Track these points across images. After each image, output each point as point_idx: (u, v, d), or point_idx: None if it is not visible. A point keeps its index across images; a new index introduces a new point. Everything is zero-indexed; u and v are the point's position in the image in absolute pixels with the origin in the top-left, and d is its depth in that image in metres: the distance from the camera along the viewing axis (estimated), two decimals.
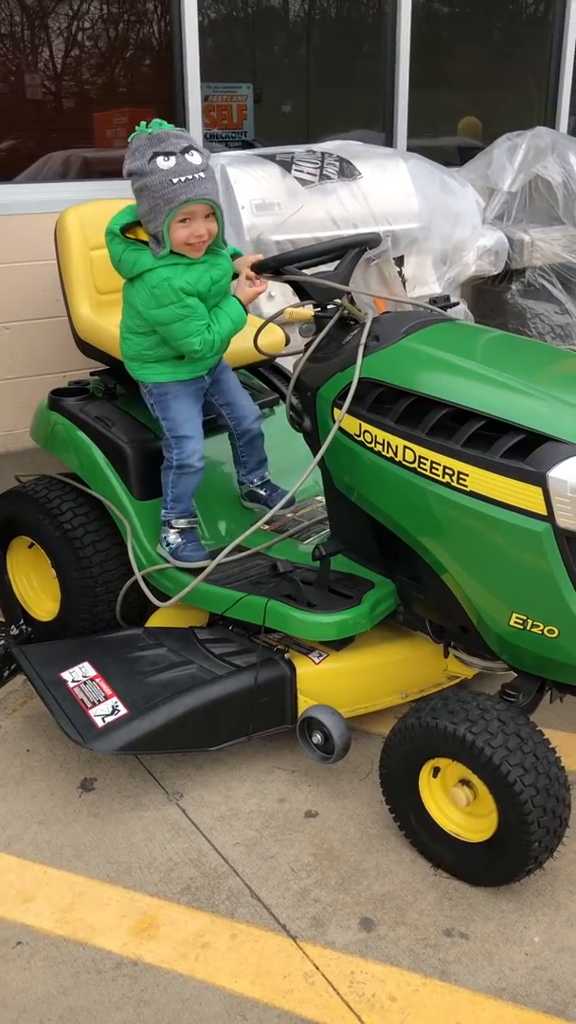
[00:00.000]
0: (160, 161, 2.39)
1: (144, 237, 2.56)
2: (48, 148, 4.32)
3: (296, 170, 3.91)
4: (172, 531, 2.83)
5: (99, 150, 4.44)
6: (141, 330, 2.67)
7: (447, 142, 5.86)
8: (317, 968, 2.03)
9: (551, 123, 6.10)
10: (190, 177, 2.41)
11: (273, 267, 2.54)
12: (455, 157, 5.63)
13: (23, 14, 4.17)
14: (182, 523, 2.83)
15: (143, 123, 2.47)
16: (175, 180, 2.39)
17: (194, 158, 2.44)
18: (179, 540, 2.82)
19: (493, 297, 4.85)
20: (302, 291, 2.59)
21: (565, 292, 4.79)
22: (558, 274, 4.77)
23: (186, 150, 2.44)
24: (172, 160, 2.40)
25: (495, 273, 4.61)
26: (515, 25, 6.26)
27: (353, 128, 5.20)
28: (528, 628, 2.14)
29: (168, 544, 2.82)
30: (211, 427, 2.91)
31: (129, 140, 2.47)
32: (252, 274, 2.62)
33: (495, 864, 2.16)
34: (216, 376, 2.86)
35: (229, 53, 5.01)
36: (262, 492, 3.02)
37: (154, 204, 2.43)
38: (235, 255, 2.77)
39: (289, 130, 5.29)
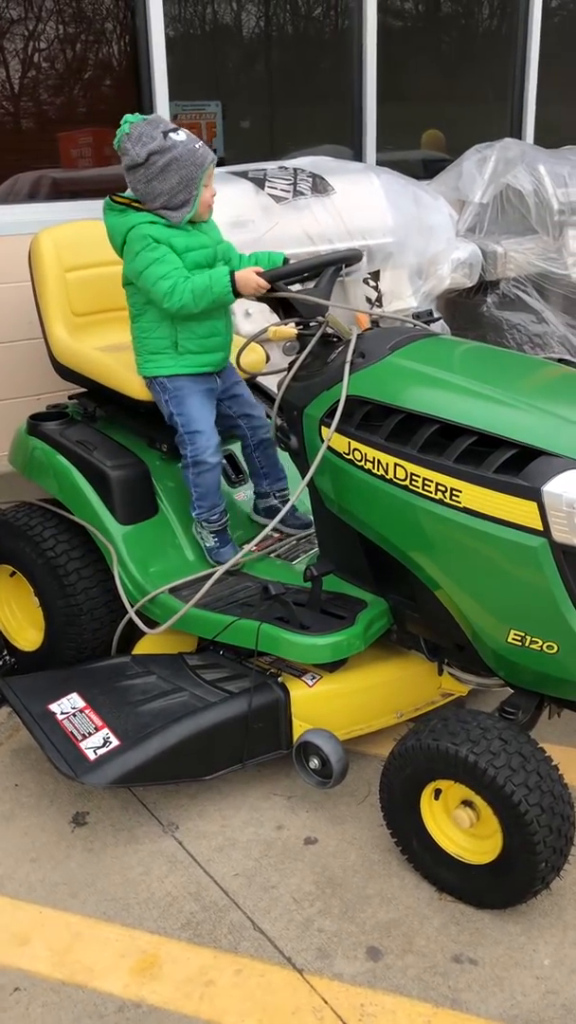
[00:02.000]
0: (173, 136, 2.55)
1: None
2: (15, 169, 4.27)
3: (269, 187, 3.89)
4: (205, 530, 2.86)
5: (67, 170, 4.39)
6: (138, 306, 2.72)
7: (413, 155, 5.87)
8: (326, 1002, 1.98)
9: (517, 134, 6.14)
10: (203, 143, 2.59)
11: (278, 278, 2.52)
12: (420, 170, 5.64)
13: None
14: (214, 525, 2.84)
15: (126, 117, 2.58)
16: (197, 147, 2.57)
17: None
18: (214, 541, 2.84)
19: (469, 310, 4.84)
20: (283, 309, 2.56)
21: (542, 300, 4.79)
22: (534, 283, 4.78)
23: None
24: (182, 133, 2.57)
25: (470, 285, 4.60)
26: (477, 38, 6.29)
27: (322, 143, 5.20)
28: (527, 644, 2.11)
29: (205, 542, 2.86)
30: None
31: (124, 133, 2.56)
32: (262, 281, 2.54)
33: (501, 886, 2.12)
34: (233, 391, 2.92)
35: (197, 71, 4.99)
36: (281, 505, 2.95)
37: (186, 172, 2.55)
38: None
39: (260, 146, 5.27)
